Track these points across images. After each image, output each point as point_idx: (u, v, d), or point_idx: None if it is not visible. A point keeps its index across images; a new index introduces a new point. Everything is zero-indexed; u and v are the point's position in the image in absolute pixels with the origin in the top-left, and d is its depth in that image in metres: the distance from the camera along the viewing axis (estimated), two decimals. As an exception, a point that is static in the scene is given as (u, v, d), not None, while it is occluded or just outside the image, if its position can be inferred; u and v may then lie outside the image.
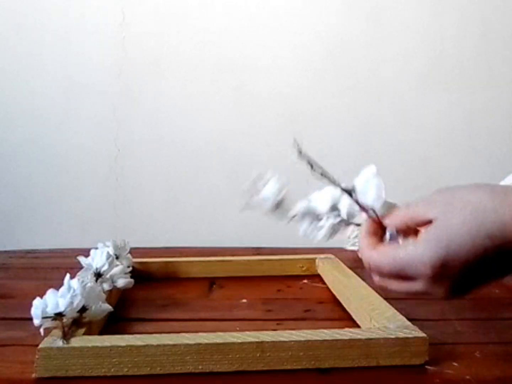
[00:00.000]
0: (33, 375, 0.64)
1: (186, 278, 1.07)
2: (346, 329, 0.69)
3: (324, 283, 1.04)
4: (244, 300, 0.93)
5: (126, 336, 0.68)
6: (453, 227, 0.52)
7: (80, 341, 0.66)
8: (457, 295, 0.55)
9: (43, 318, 0.67)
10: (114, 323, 0.81)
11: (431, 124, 1.58)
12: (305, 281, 1.05)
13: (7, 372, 0.66)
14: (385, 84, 1.59)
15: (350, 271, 1.00)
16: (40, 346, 0.64)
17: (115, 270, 0.89)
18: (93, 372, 0.64)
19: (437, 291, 0.54)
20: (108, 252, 0.89)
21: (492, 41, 1.57)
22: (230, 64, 1.59)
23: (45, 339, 0.66)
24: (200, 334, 0.67)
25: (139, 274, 1.02)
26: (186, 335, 0.67)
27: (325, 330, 0.68)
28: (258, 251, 1.26)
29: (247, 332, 0.68)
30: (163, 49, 1.60)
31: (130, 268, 0.96)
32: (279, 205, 0.76)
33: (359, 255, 0.61)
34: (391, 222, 0.60)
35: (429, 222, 0.54)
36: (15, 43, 1.60)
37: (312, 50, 1.60)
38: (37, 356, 0.64)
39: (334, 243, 1.13)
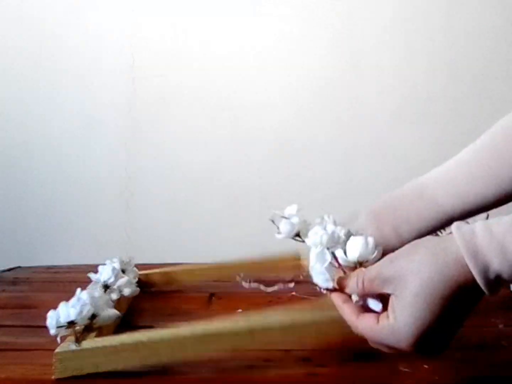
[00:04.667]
0: (52, 377, 0.64)
1: (188, 290, 1.07)
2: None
3: (313, 294, 1.02)
4: (240, 310, 0.93)
5: (132, 334, 0.68)
6: (410, 302, 0.51)
7: (91, 342, 0.66)
8: (442, 348, 0.53)
9: (58, 327, 0.67)
10: (123, 330, 0.81)
11: (404, 154, 1.60)
12: (294, 293, 1.05)
13: (30, 373, 0.67)
14: (364, 119, 1.61)
15: None
16: (56, 351, 0.65)
17: (121, 281, 0.89)
18: (105, 368, 0.64)
19: (424, 354, 0.52)
20: (114, 267, 0.89)
21: (457, 82, 1.60)
22: (227, 102, 1.61)
23: (61, 344, 0.66)
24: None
25: (144, 285, 1.02)
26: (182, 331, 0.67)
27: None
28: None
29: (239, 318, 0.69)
30: (168, 88, 1.62)
31: (136, 279, 0.96)
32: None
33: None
34: (353, 291, 0.57)
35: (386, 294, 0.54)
36: (37, 84, 1.62)
37: (299, 90, 1.62)
38: (54, 360, 0.64)
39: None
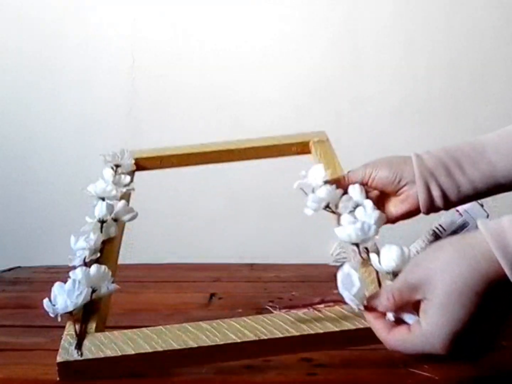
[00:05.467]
0: (58, 379, 0.63)
1: (189, 290, 1.08)
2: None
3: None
4: (240, 310, 0.93)
5: (135, 338, 0.65)
6: (441, 302, 0.48)
7: (93, 348, 0.64)
8: (482, 351, 0.51)
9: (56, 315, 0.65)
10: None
11: (404, 153, 1.60)
12: (293, 293, 1.04)
13: (30, 373, 0.67)
14: (364, 118, 1.61)
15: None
16: (58, 360, 0.63)
17: (118, 209, 0.86)
18: (109, 373, 0.63)
19: (462, 358, 0.51)
20: (108, 203, 0.85)
21: (457, 82, 1.60)
22: (227, 101, 1.61)
23: (61, 345, 0.64)
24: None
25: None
26: (190, 340, 0.65)
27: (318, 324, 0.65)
28: (252, 267, 1.25)
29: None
30: (169, 88, 1.62)
31: (133, 182, 0.97)
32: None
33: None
34: (385, 308, 0.55)
35: (417, 301, 0.52)
36: (37, 84, 1.62)
37: (300, 89, 1.62)
38: (57, 368, 0.63)
39: (318, 259, 1.14)
